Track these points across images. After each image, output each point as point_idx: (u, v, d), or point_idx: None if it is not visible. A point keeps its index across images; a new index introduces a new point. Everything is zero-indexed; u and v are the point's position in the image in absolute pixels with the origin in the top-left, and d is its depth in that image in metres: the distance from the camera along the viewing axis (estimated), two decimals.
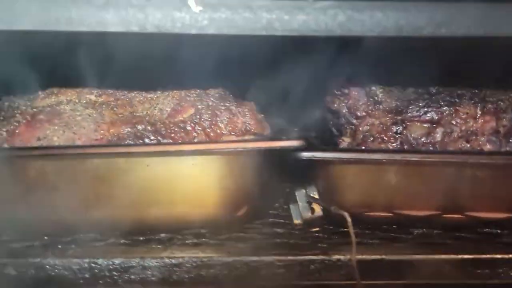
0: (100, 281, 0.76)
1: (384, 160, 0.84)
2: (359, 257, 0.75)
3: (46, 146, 0.84)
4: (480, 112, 0.94)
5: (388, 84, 1.00)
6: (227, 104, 0.97)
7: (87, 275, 0.76)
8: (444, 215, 0.90)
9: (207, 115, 0.94)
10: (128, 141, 0.87)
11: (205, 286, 0.77)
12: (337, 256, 0.77)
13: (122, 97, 1.00)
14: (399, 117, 0.96)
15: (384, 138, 0.97)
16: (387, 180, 0.87)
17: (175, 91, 1.01)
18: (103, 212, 0.85)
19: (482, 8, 0.63)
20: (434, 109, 0.95)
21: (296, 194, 0.92)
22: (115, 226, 0.86)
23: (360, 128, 1.00)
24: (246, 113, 0.96)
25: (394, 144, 0.96)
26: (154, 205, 0.86)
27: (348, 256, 0.77)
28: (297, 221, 0.94)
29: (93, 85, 1.01)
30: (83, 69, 1.01)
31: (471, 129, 0.93)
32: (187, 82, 1.02)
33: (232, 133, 0.95)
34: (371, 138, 0.98)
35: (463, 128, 0.94)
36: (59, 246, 0.81)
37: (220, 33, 0.64)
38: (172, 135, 0.90)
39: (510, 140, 0.94)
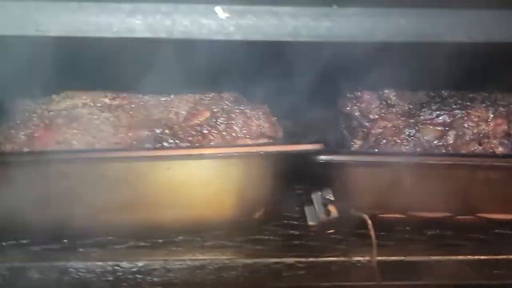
0: (124, 284, 0.77)
1: (401, 163, 0.85)
2: (379, 258, 0.76)
3: (70, 150, 0.85)
4: (492, 115, 0.95)
5: (400, 88, 1.02)
6: (242, 107, 0.98)
7: (110, 278, 0.77)
8: (457, 217, 0.92)
9: (223, 119, 0.95)
10: (147, 144, 0.88)
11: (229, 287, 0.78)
12: (357, 258, 0.79)
13: (136, 101, 1.01)
14: (412, 120, 0.98)
15: (397, 140, 0.98)
16: (402, 182, 0.89)
17: (189, 95, 1.02)
18: (122, 215, 0.85)
19: (503, 15, 0.65)
20: (447, 112, 0.97)
21: (313, 196, 0.93)
22: (134, 229, 0.87)
23: (373, 131, 1.01)
24: (261, 116, 0.98)
25: (407, 147, 0.98)
26: (173, 208, 0.87)
27: (368, 258, 0.78)
28: (311, 223, 0.96)
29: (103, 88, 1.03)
30: (93, 72, 1.02)
31: (483, 132, 0.95)
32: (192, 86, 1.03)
33: (247, 136, 0.96)
34: (384, 141, 0.99)
35: (475, 131, 0.96)
36: (81, 250, 0.82)
37: (246, 39, 0.65)
38: (190, 138, 0.91)
39: None
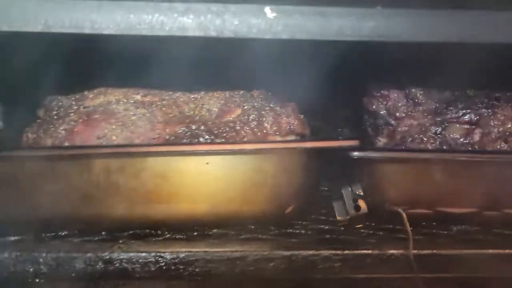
0: (166, 274, 0.79)
1: (433, 160, 0.88)
2: (415, 252, 0.79)
3: (114, 145, 0.87)
4: None
5: (426, 86, 1.05)
6: (272, 105, 1.00)
7: (153, 268, 0.79)
8: (483, 212, 0.95)
9: (254, 115, 0.98)
10: (184, 140, 0.90)
11: (266, 278, 0.80)
12: (391, 251, 0.81)
13: (166, 97, 1.03)
14: (439, 118, 1.01)
15: (424, 138, 1.01)
16: (431, 178, 0.91)
17: (218, 92, 1.04)
18: (160, 208, 0.88)
19: None
20: (473, 110, 1.00)
21: (343, 191, 0.96)
22: (170, 222, 0.89)
23: (399, 129, 1.04)
24: (290, 113, 1.00)
25: (433, 145, 1.00)
26: (208, 202, 0.89)
27: (401, 251, 0.81)
28: (340, 217, 0.98)
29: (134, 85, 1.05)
30: (124, 69, 1.04)
31: (509, 130, 0.98)
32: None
33: (277, 133, 0.98)
34: (410, 139, 1.02)
35: (500, 129, 0.98)
36: (121, 241, 0.84)
37: (293, 38, 0.67)
38: (224, 134, 0.94)
39: None
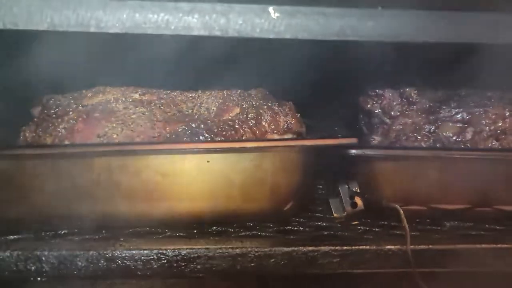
0: (168, 271, 0.80)
1: (429, 157, 0.90)
2: (412, 247, 0.81)
3: (116, 143, 0.88)
4: (508, 113, 1.01)
5: (420, 86, 1.07)
6: (269, 104, 1.02)
7: (155, 266, 0.80)
8: (476, 208, 0.97)
9: (252, 114, 0.99)
10: (184, 138, 0.91)
11: (267, 274, 0.81)
12: (389, 246, 0.83)
13: (164, 96, 1.04)
14: (432, 117, 1.03)
15: (418, 137, 1.03)
16: (426, 175, 0.93)
17: (217, 91, 1.05)
18: (160, 206, 0.88)
19: None
20: (465, 109, 1.02)
21: (340, 189, 0.97)
22: (169, 219, 0.90)
23: (394, 127, 1.06)
24: (288, 112, 1.02)
25: (427, 143, 1.03)
26: (207, 200, 0.90)
27: (398, 246, 0.83)
28: (337, 214, 1.00)
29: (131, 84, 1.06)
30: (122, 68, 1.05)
31: (500, 128, 1.01)
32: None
33: (275, 131, 1.00)
34: (404, 137, 1.04)
35: (492, 127, 1.01)
36: (122, 239, 0.85)
37: (295, 38, 0.69)
38: (224, 133, 0.95)
39: None
